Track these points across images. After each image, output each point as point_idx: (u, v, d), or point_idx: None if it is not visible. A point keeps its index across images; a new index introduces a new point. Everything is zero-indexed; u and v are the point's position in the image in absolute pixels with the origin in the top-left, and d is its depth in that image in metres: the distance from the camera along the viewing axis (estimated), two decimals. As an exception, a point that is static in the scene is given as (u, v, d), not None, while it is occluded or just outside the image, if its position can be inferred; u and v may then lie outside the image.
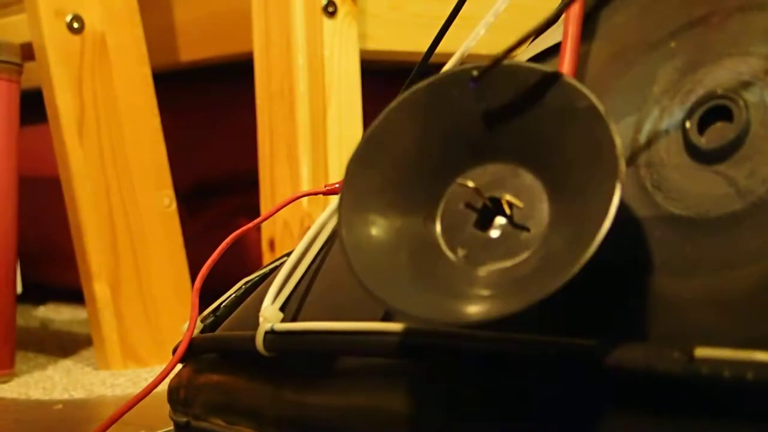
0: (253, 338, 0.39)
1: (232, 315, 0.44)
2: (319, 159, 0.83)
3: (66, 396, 0.71)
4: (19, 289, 0.82)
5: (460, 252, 0.32)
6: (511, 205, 0.31)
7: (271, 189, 0.85)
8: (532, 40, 0.39)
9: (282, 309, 0.39)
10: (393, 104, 0.33)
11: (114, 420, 0.41)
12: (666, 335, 0.29)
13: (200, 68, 1.02)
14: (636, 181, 0.32)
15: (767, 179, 0.29)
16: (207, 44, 0.98)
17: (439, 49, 0.43)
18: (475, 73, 0.32)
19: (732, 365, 0.26)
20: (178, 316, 0.84)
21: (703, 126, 0.31)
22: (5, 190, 0.78)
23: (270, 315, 0.39)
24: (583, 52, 0.35)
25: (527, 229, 0.31)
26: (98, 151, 0.82)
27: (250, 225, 0.44)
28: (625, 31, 0.35)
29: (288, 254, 0.42)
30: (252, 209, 0.87)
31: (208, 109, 1.11)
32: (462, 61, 0.39)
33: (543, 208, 0.31)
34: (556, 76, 0.31)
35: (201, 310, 0.45)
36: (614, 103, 0.33)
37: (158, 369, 0.79)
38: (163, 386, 0.42)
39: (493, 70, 0.32)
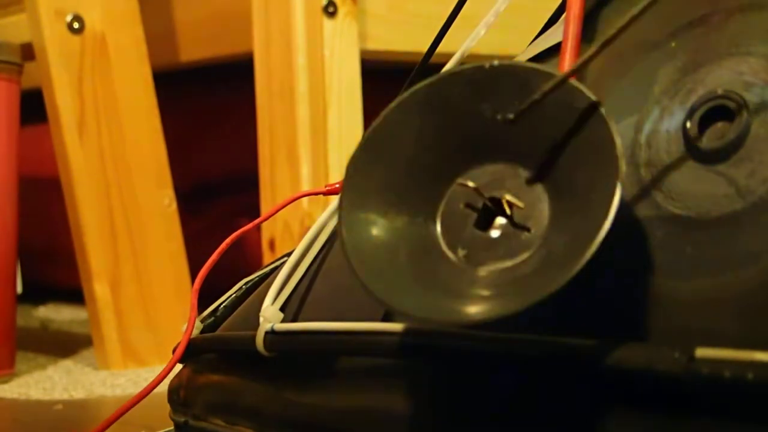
0: (253, 338, 0.39)
1: (232, 315, 0.44)
2: (319, 159, 0.83)
3: (66, 396, 0.71)
4: (19, 289, 0.82)
5: (461, 252, 0.32)
6: (511, 205, 0.31)
7: (271, 189, 0.85)
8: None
9: (282, 309, 0.39)
10: (393, 104, 0.33)
11: (113, 420, 0.41)
12: (666, 335, 0.29)
13: (200, 68, 1.02)
14: (636, 181, 0.32)
15: (767, 179, 0.29)
16: (207, 44, 0.98)
17: (439, 49, 0.43)
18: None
19: (732, 365, 0.26)
20: (178, 316, 0.84)
21: (703, 126, 0.31)
22: (5, 190, 0.78)
23: (270, 315, 0.39)
24: (583, 52, 0.35)
25: (527, 229, 0.31)
26: (98, 151, 0.82)
27: (250, 225, 0.44)
28: (625, 31, 0.35)
29: (288, 254, 0.42)
30: (252, 209, 0.87)
31: (208, 109, 1.11)
32: (462, 61, 0.38)
33: (543, 208, 0.31)
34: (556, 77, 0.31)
35: (201, 310, 0.45)
36: (615, 103, 0.33)
37: (158, 369, 0.78)
38: (164, 386, 0.42)
39: (493, 71, 0.32)
